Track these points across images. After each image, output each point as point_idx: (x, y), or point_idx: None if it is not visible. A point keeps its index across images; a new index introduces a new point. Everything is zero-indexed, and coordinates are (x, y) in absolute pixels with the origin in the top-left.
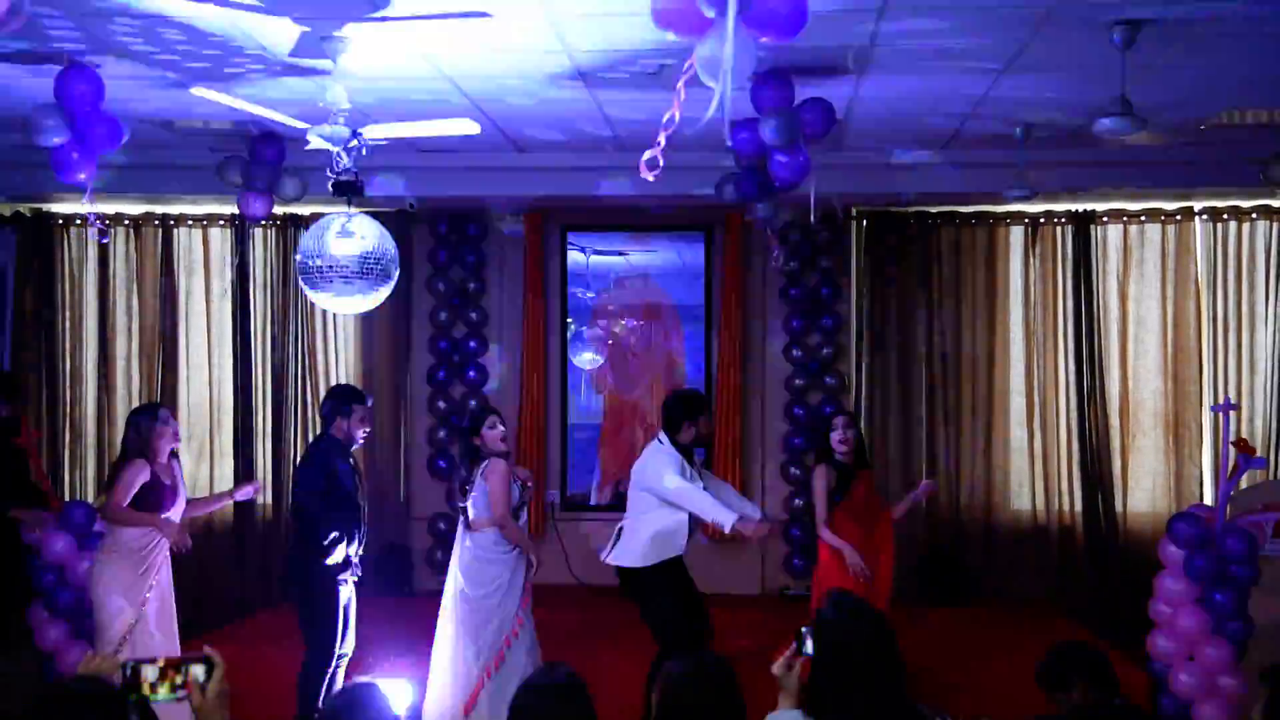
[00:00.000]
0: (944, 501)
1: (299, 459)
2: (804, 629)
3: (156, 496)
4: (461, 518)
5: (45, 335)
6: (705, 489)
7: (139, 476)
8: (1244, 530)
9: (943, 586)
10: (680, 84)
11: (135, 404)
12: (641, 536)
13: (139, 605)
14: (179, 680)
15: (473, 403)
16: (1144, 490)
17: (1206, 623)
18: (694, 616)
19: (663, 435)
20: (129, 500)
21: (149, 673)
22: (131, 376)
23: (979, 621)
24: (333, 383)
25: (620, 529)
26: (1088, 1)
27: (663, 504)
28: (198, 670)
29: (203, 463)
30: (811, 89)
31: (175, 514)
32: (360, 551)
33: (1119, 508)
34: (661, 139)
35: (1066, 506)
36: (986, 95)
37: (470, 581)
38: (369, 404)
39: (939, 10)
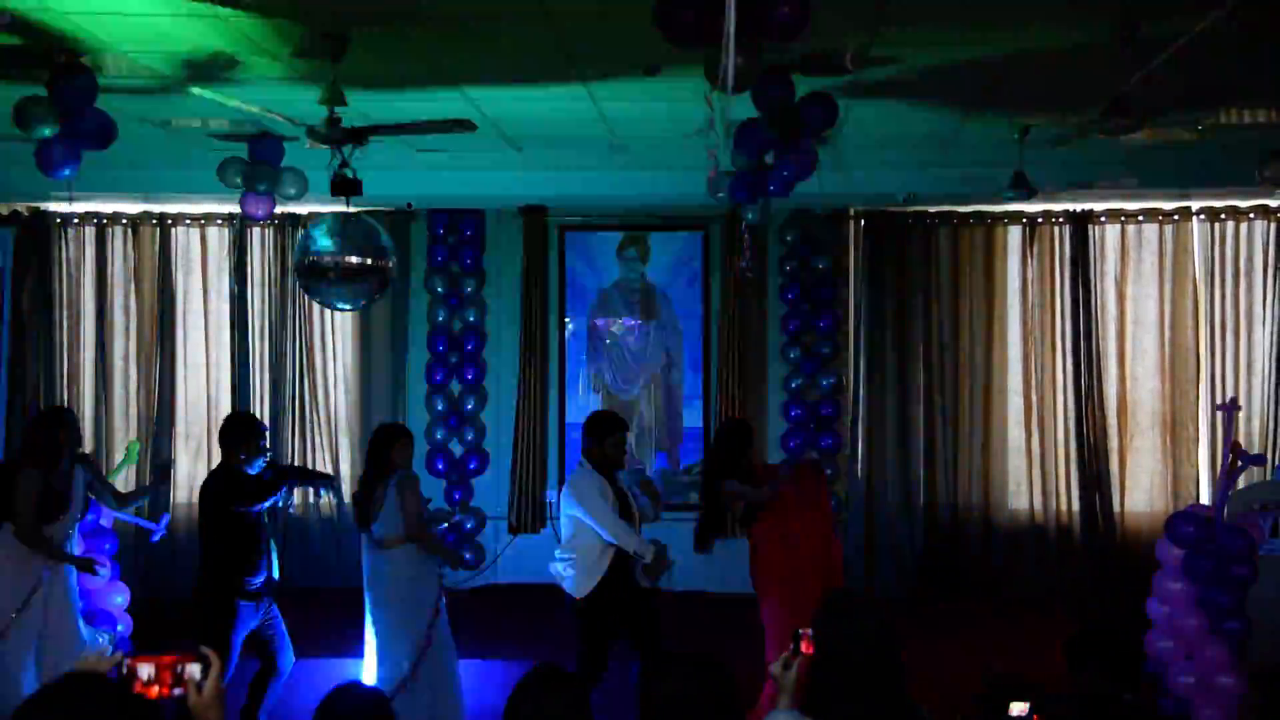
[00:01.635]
0: (942, 501)
1: (200, 492)
2: (801, 629)
3: (46, 506)
4: (366, 537)
5: (43, 334)
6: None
7: (33, 487)
8: (1243, 529)
9: (940, 585)
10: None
11: (134, 403)
12: (575, 565)
13: None
14: (174, 679)
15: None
16: (1141, 490)
17: (1205, 622)
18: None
19: (582, 459)
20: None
21: (145, 671)
22: (129, 376)
23: (976, 620)
24: (331, 382)
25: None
26: (1087, 2)
27: (583, 530)
28: (194, 669)
29: (200, 461)
30: (812, 86)
31: (65, 524)
32: (265, 576)
33: (1116, 507)
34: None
35: (1064, 506)
36: (985, 94)
37: (378, 601)
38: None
39: (936, 10)
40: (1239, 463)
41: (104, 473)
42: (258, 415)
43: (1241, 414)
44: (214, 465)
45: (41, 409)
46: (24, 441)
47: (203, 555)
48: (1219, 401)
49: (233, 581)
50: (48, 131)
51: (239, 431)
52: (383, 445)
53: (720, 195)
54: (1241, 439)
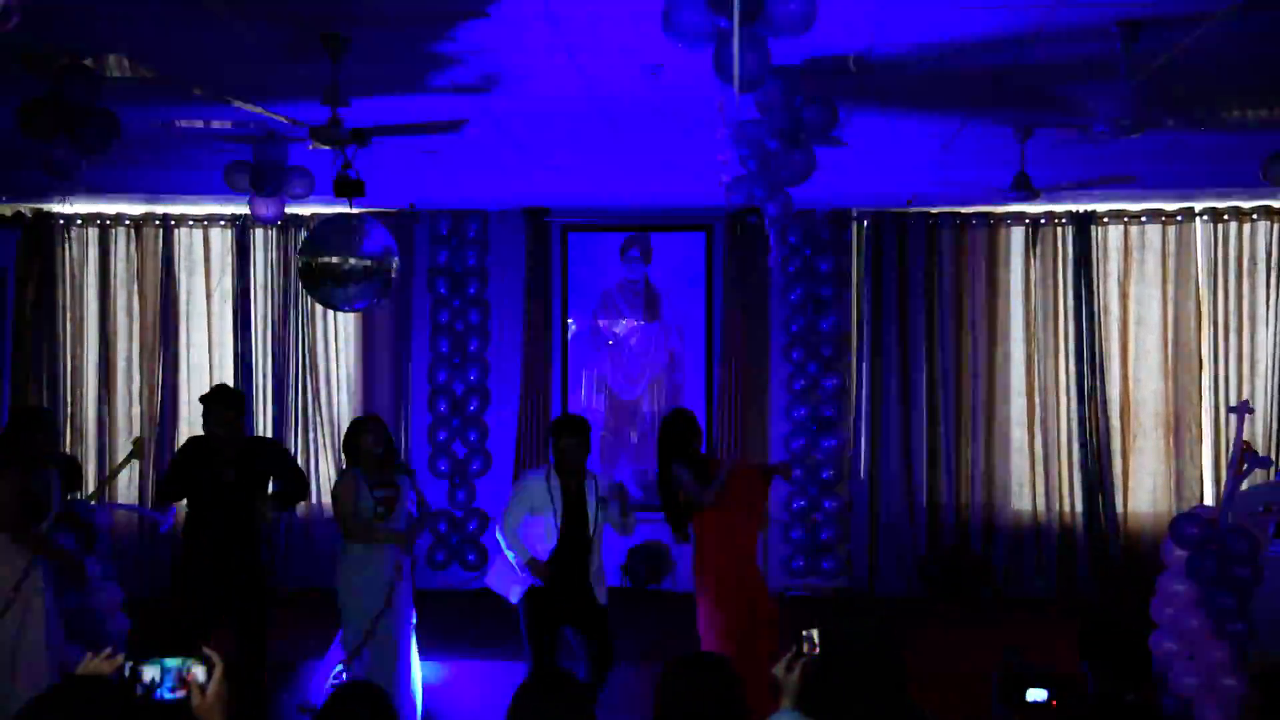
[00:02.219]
0: (945, 501)
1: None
2: (805, 631)
3: (26, 509)
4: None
5: (46, 335)
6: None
7: (12, 489)
8: (1247, 531)
9: (943, 586)
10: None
11: (136, 404)
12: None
13: None
14: (177, 681)
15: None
16: (1144, 491)
17: (1208, 623)
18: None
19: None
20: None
21: (149, 673)
22: (132, 377)
23: (979, 621)
24: (333, 383)
25: None
26: (1088, 2)
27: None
28: (198, 671)
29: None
30: (813, 90)
31: (43, 527)
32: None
33: (1119, 508)
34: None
35: (1067, 506)
36: (987, 96)
37: (339, 584)
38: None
39: (939, 10)
40: (1245, 464)
41: (107, 472)
42: (260, 415)
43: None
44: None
45: (17, 409)
46: (1, 442)
47: (186, 541)
48: (1224, 403)
49: (215, 571)
50: (51, 135)
51: (211, 400)
52: (348, 438)
53: (734, 199)
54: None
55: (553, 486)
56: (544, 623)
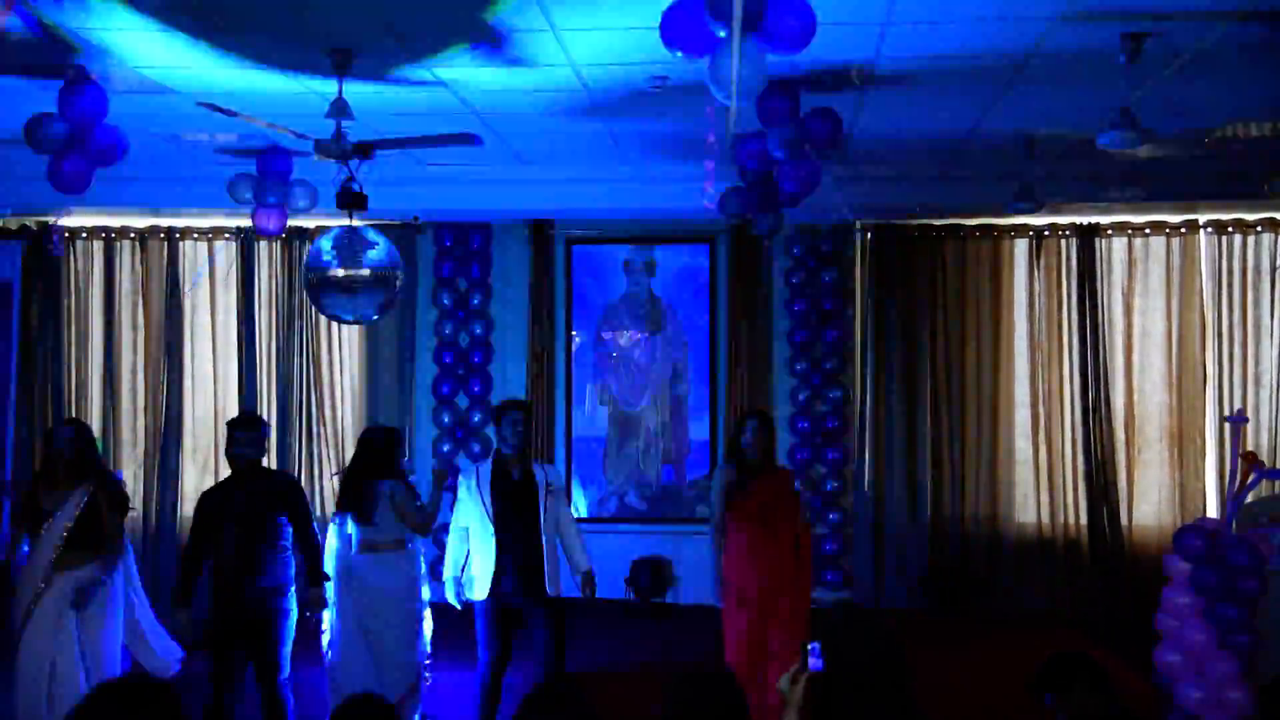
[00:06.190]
0: (949, 514)
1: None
2: (810, 643)
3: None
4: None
5: (51, 348)
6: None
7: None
8: (1251, 543)
9: (948, 598)
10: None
11: (141, 416)
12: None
13: None
14: None
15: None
16: (1149, 503)
17: (1213, 636)
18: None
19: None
20: None
21: None
22: (137, 389)
23: (984, 633)
24: (338, 395)
25: None
26: (1092, 15)
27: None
28: None
29: (207, 475)
30: (818, 102)
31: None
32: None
33: (1124, 520)
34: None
35: (1071, 519)
36: (991, 109)
37: None
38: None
39: (943, 24)
40: (1252, 474)
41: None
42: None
43: (1250, 427)
44: (221, 476)
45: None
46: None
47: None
48: (1227, 414)
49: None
50: (59, 148)
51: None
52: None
53: (727, 210)
54: None
55: (481, 475)
56: (503, 624)
